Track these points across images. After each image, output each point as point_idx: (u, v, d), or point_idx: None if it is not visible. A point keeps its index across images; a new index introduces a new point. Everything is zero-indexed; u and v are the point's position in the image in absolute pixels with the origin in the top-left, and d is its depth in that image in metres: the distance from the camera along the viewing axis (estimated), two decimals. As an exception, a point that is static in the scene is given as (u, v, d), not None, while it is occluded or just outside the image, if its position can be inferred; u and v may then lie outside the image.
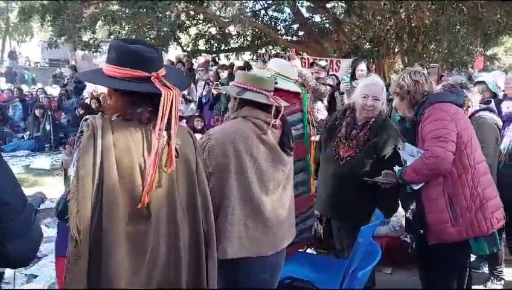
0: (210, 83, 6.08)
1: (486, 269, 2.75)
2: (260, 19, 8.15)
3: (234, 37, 8.61)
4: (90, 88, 8.26)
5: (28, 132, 7.48)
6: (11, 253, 0.93)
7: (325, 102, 3.87)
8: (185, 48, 8.32)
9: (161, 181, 1.09)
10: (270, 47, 8.70)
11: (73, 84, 9.04)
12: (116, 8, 6.61)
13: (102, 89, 7.25)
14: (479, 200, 1.76)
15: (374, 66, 6.78)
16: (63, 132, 7.38)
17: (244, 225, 1.43)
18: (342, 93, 3.91)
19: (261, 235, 1.46)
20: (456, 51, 6.09)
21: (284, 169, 1.54)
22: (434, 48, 6.90)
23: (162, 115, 1.05)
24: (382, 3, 5.94)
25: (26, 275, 2.64)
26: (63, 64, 15.29)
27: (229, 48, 8.68)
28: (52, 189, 3.55)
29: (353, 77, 3.95)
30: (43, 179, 5.12)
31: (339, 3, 8.25)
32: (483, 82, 2.85)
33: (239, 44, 8.72)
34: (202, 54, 8.88)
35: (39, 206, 1.34)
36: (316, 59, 5.85)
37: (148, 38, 6.33)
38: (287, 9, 8.12)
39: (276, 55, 7.43)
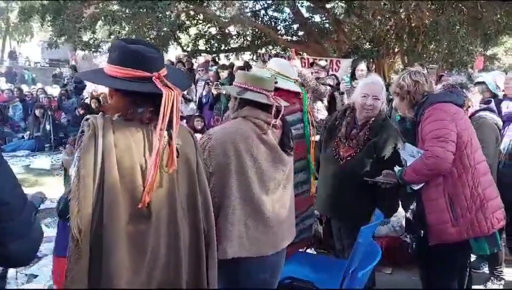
0: (210, 83, 6.08)
1: (486, 269, 2.75)
2: (260, 19, 8.16)
3: (234, 37, 8.61)
4: (90, 88, 8.26)
5: (28, 132, 7.48)
6: (11, 252, 0.93)
7: (325, 102, 3.87)
8: (185, 48, 8.32)
9: (162, 181, 1.09)
10: (270, 47, 8.71)
11: (73, 84, 9.04)
12: (116, 8, 6.61)
13: (102, 89, 7.26)
14: (480, 200, 1.76)
15: (373, 66, 6.78)
16: (63, 132, 7.38)
17: (245, 224, 1.43)
18: (342, 93, 3.91)
19: (261, 235, 1.46)
20: (456, 51, 6.09)
21: (284, 169, 1.55)
22: (434, 48, 6.90)
23: (164, 115, 1.05)
24: (382, 3, 5.94)
25: (26, 274, 2.64)
26: (63, 64, 15.30)
27: (229, 48, 8.68)
28: (52, 189, 3.55)
29: (353, 76, 3.95)
30: (43, 179, 5.12)
31: (339, 3, 8.25)
32: (483, 82, 2.85)
33: (239, 44, 8.72)
34: (202, 54, 8.88)
35: (39, 206, 1.34)
36: (316, 59, 5.86)
37: (148, 39, 6.33)
38: (287, 9, 8.13)
39: (276, 55, 7.43)
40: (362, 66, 3.98)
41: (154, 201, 1.07)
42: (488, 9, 5.78)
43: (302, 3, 8.09)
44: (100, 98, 7.16)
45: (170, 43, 7.45)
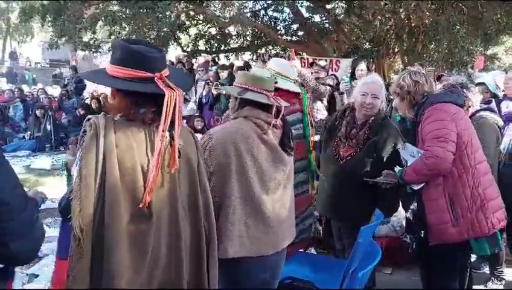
0: (210, 83, 6.09)
1: (486, 269, 2.75)
2: (260, 19, 8.17)
3: (234, 37, 8.62)
4: (91, 88, 8.27)
5: (28, 132, 7.49)
6: (12, 252, 0.94)
7: (325, 102, 3.87)
8: (185, 48, 8.33)
9: (163, 181, 1.10)
10: (270, 47, 8.72)
11: (73, 85, 9.06)
12: (117, 9, 6.62)
13: (102, 90, 7.27)
14: (480, 200, 1.76)
15: (373, 66, 6.78)
16: (64, 132, 7.39)
17: (245, 224, 1.43)
18: (342, 93, 3.91)
19: (261, 235, 1.46)
20: (456, 50, 6.09)
21: (285, 169, 1.55)
22: (434, 48, 6.89)
23: (166, 116, 1.05)
24: (382, 3, 5.94)
25: (27, 274, 2.65)
26: (64, 64, 15.32)
27: (229, 48, 8.69)
28: (53, 189, 3.55)
29: (353, 76, 3.95)
30: (43, 179, 5.13)
31: (339, 3, 8.25)
32: (483, 83, 2.85)
33: (239, 44, 8.73)
34: (202, 54, 8.89)
35: (40, 206, 1.34)
36: (315, 59, 5.86)
37: (148, 39, 6.33)
38: (287, 10, 8.14)
39: (276, 55, 7.43)
40: (362, 66, 3.98)
41: (155, 201, 1.07)
42: (488, 9, 5.78)
43: (302, 3, 8.09)
44: (100, 98, 7.17)
45: (170, 43, 7.46)
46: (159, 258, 1.09)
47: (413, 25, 6.84)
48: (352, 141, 2.09)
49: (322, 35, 7.99)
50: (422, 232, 1.91)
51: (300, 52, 7.56)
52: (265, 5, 8.27)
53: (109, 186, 1.01)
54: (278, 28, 8.38)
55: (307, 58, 6.68)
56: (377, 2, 6.02)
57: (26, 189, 1.04)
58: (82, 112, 7.26)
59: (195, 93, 6.37)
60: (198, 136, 1.37)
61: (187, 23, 8.09)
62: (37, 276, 2.65)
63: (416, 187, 1.88)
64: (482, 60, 6.78)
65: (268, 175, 1.48)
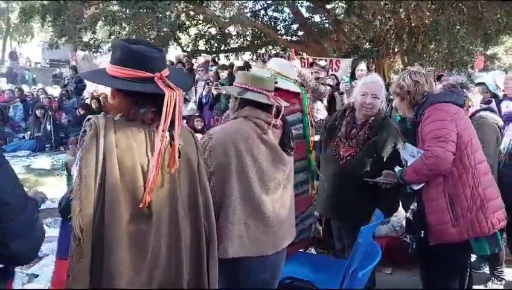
0: (210, 83, 6.09)
1: (486, 269, 2.75)
2: (260, 19, 8.17)
3: (234, 37, 8.62)
4: (91, 88, 8.27)
5: (28, 132, 7.49)
6: (12, 252, 0.94)
7: (325, 102, 3.88)
8: (184, 48, 8.34)
9: (163, 181, 1.10)
10: (270, 47, 8.72)
11: (73, 85, 9.06)
12: (117, 9, 6.63)
13: (102, 90, 7.27)
14: (480, 200, 1.76)
15: (373, 66, 6.79)
16: (64, 132, 7.39)
17: (245, 224, 1.44)
18: (342, 93, 3.91)
19: (261, 235, 1.46)
20: (456, 50, 6.09)
21: (285, 169, 1.55)
22: (434, 48, 6.89)
23: (166, 116, 1.05)
24: (382, 3, 5.94)
25: (27, 274, 2.65)
26: (64, 64, 15.33)
27: (229, 48, 8.69)
28: (53, 189, 3.55)
29: (353, 76, 3.95)
30: (43, 179, 5.13)
31: (339, 3, 8.25)
32: (483, 83, 2.85)
33: (239, 44, 8.73)
34: (202, 54, 8.89)
35: (40, 207, 1.35)
36: (315, 59, 5.86)
37: (148, 39, 6.34)
38: (287, 10, 8.14)
39: (276, 55, 7.43)
40: (362, 66, 3.98)
41: (155, 201, 1.07)
42: (488, 9, 5.78)
43: (302, 3, 8.10)
44: (100, 98, 7.17)
45: (170, 43, 7.47)
46: (159, 258, 1.09)
47: (413, 25, 6.84)
48: (352, 141, 2.09)
49: (322, 35, 7.99)
50: (422, 232, 1.91)
51: (300, 52, 7.56)
52: (265, 5, 8.27)
53: (109, 186, 1.01)
54: (278, 28, 8.38)
55: (307, 58, 6.68)
56: (377, 2, 6.02)
57: (26, 189, 1.04)
58: (82, 112, 7.27)
59: (195, 93, 6.37)
60: (198, 136, 1.37)
61: (187, 23, 8.10)
62: (37, 276, 2.65)
63: (416, 187, 1.88)
64: (482, 60, 6.78)
65: (269, 175, 1.48)
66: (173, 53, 9.58)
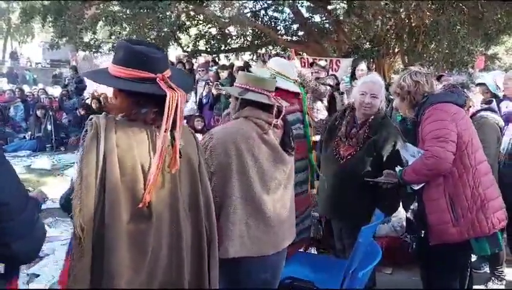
0: (210, 83, 6.09)
1: (487, 269, 2.75)
2: (260, 19, 8.17)
3: (234, 37, 8.62)
4: (91, 88, 8.27)
5: (29, 132, 7.50)
6: (13, 252, 0.94)
7: (325, 102, 3.88)
8: (185, 48, 8.34)
9: (164, 181, 1.10)
10: (270, 47, 8.72)
11: (74, 85, 9.06)
12: (117, 9, 6.63)
13: (103, 90, 7.28)
14: (480, 200, 1.76)
15: (374, 66, 6.79)
16: (64, 132, 7.40)
17: (246, 224, 1.44)
18: (342, 93, 3.91)
19: (262, 235, 1.46)
20: (457, 50, 6.09)
21: (285, 169, 1.55)
22: (434, 48, 6.90)
23: (168, 116, 1.05)
24: (382, 3, 5.94)
25: (28, 274, 2.65)
26: (64, 64, 15.34)
27: (229, 48, 8.69)
28: (54, 189, 3.56)
29: (353, 76, 3.96)
30: (44, 179, 5.14)
31: (340, 3, 8.25)
32: (483, 84, 2.85)
33: (239, 44, 8.73)
34: (202, 54, 8.89)
35: (41, 206, 1.35)
36: (315, 59, 5.86)
37: (148, 39, 6.35)
38: (287, 10, 8.14)
39: (276, 55, 7.43)
40: (362, 66, 3.98)
41: (156, 201, 1.07)
42: (488, 9, 5.78)
43: (302, 3, 8.10)
44: (101, 98, 7.18)
45: (170, 43, 7.48)
46: (159, 258, 1.09)
47: (413, 25, 6.84)
48: (352, 140, 2.09)
49: (322, 35, 7.99)
50: (423, 232, 1.91)
51: (301, 52, 7.56)
52: (266, 5, 8.28)
53: (110, 186, 1.02)
54: (278, 28, 8.38)
55: (307, 58, 6.68)
56: (377, 2, 6.02)
57: (30, 189, 1.04)
58: (82, 112, 7.27)
59: (196, 93, 6.37)
60: (199, 136, 1.38)
61: (187, 23, 8.10)
62: (37, 276, 2.65)
63: (416, 187, 1.88)
64: (483, 60, 6.77)
65: (269, 175, 1.49)
66: (173, 53, 9.58)
